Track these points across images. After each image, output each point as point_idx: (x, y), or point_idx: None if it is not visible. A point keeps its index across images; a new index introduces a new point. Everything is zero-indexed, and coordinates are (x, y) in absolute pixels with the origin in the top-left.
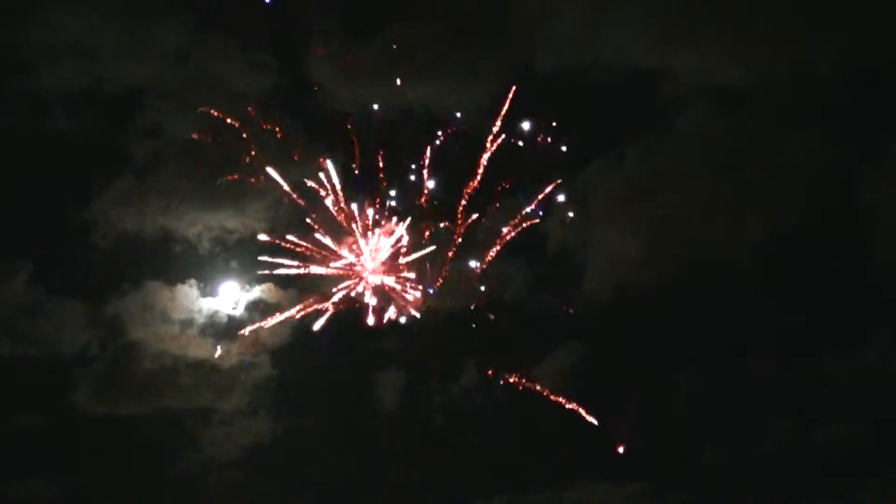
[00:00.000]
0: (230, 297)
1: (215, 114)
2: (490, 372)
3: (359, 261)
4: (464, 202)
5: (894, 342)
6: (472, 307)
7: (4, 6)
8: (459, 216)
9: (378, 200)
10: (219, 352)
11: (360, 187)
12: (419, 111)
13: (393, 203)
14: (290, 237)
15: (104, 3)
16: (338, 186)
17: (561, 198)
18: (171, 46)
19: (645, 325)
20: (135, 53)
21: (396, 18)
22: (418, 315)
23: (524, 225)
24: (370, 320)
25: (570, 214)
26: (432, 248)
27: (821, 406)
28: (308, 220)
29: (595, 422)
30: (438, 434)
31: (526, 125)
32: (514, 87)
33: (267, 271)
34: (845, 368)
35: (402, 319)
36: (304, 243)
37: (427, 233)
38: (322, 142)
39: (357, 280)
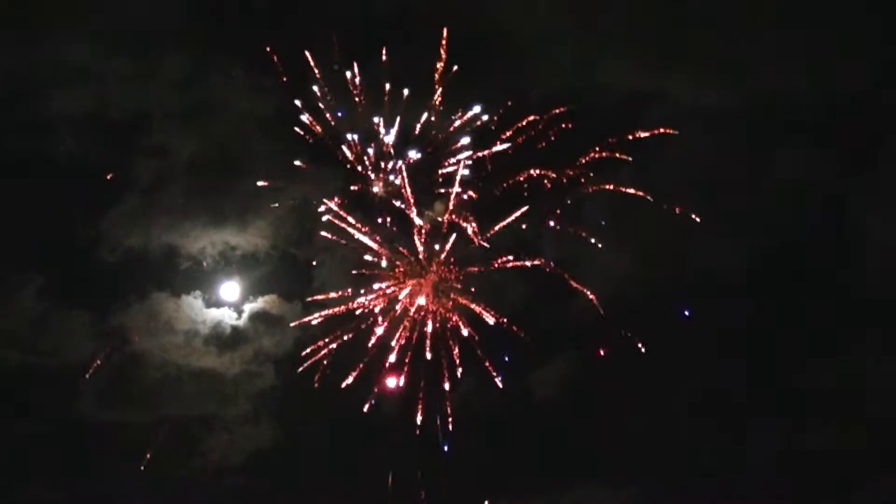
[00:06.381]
0: (233, 301)
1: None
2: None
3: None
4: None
5: (886, 347)
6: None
7: (13, 34)
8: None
9: None
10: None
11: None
12: (418, 133)
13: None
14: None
15: (110, 29)
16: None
17: (556, 213)
18: (175, 70)
19: (642, 332)
20: (140, 78)
21: (395, 44)
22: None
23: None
24: None
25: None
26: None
27: (818, 408)
28: None
29: None
30: (438, 439)
31: (523, 143)
32: (510, 105)
33: None
34: (841, 372)
35: None
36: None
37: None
38: (323, 162)
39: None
